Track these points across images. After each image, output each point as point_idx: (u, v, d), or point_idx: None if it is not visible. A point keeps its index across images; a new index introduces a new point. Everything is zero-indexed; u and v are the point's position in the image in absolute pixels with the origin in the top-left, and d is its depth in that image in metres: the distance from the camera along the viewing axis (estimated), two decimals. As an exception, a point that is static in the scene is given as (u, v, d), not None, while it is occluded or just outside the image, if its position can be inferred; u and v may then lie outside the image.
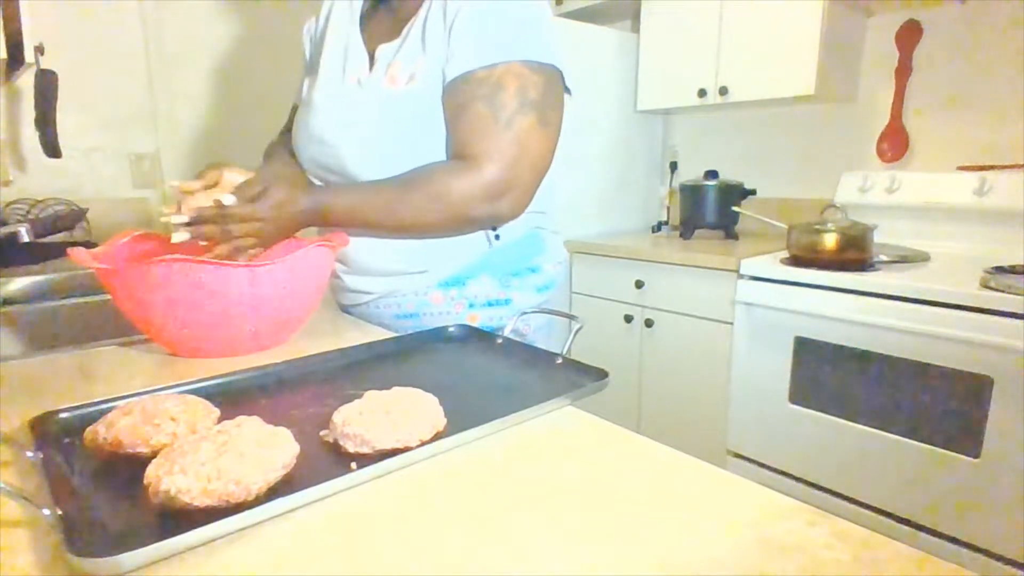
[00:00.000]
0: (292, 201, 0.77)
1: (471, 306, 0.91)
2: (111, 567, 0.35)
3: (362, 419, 0.49)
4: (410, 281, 0.91)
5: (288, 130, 1.02)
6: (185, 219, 0.73)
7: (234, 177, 0.80)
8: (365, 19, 0.93)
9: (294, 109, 1.02)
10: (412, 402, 0.53)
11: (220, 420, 0.52)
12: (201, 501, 0.39)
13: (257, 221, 0.74)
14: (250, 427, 0.45)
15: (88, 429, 0.50)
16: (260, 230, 0.75)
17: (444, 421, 0.53)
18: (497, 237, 0.90)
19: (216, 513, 0.40)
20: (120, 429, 0.48)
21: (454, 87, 0.79)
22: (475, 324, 0.89)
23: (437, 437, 0.51)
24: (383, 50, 0.85)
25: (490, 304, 0.91)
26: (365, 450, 0.48)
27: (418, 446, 0.49)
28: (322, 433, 0.52)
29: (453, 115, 0.80)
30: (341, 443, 0.49)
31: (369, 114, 0.84)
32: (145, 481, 0.41)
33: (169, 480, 0.39)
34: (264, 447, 0.43)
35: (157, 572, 0.36)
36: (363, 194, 0.80)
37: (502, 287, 0.92)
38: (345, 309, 1.00)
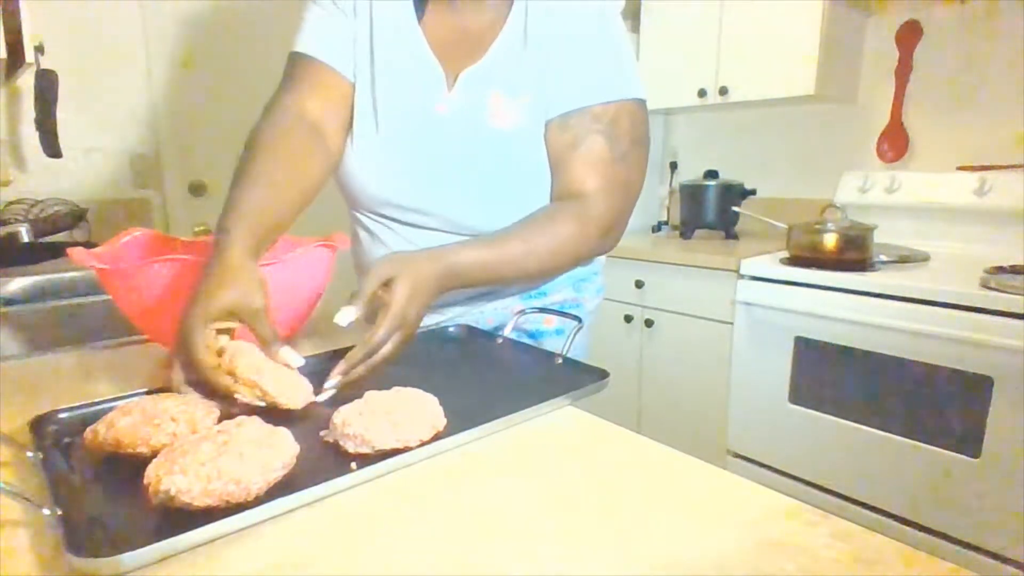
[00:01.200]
0: (422, 283, 0.63)
1: (545, 310, 0.88)
2: (111, 567, 0.35)
3: (362, 419, 0.49)
4: (499, 300, 0.88)
5: (282, 107, 0.76)
6: (335, 384, 0.60)
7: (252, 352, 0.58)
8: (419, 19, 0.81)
9: (294, 59, 0.80)
10: (412, 402, 0.53)
11: (220, 420, 0.52)
12: (201, 501, 0.39)
13: (400, 332, 0.61)
14: (250, 427, 0.45)
15: (88, 429, 0.50)
16: (408, 336, 0.62)
17: (444, 421, 0.53)
18: None
19: (216, 513, 0.40)
20: (120, 429, 0.48)
21: (567, 121, 0.76)
22: (551, 327, 0.88)
23: (437, 437, 0.51)
24: (469, 75, 0.77)
25: (563, 307, 0.89)
26: (365, 450, 0.48)
27: (418, 446, 0.49)
28: (322, 433, 0.52)
29: (566, 148, 0.76)
30: (341, 443, 0.49)
31: (474, 153, 0.77)
32: (145, 481, 0.41)
33: (169, 480, 0.39)
34: (264, 447, 0.43)
35: (157, 572, 0.36)
36: (488, 251, 0.71)
37: (576, 292, 0.91)
38: None
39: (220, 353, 0.55)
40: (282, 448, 0.44)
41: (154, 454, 0.46)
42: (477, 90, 0.77)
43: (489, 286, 0.76)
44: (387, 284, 0.61)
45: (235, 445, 0.42)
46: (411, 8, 0.79)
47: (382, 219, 0.85)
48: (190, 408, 0.51)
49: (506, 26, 0.77)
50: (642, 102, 0.79)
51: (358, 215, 0.87)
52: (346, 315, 0.60)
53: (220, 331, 0.57)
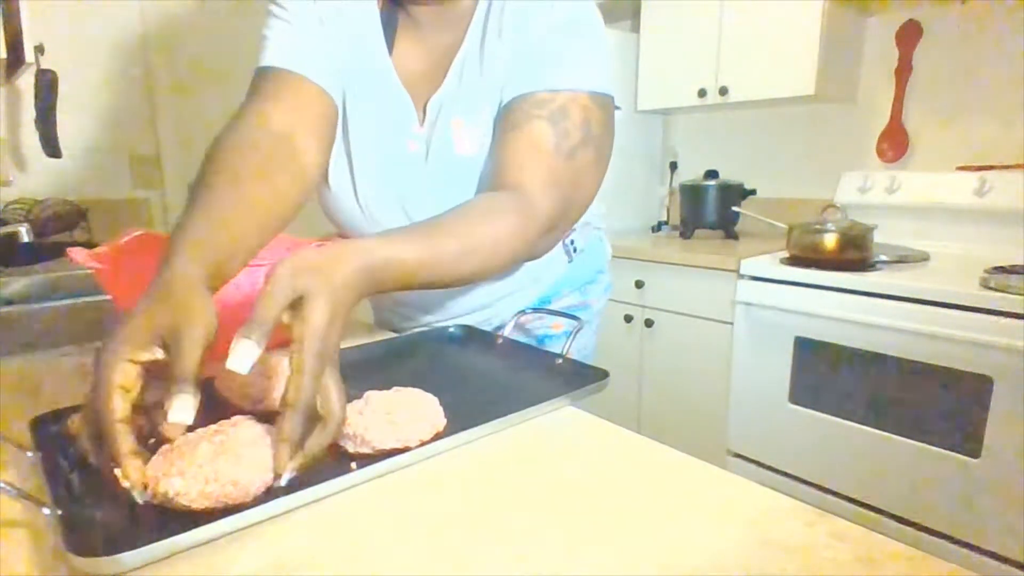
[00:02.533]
0: (341, 298, 0.46)
1: (544, 311, 0.86)
2: (111, 567, 0.35)
3: (362, 419, 0.49)
4: (495, 311, 0.86)
5: (238, 125, 0.65)
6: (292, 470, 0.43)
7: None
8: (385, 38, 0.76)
9: (259, 75, 0.71)
10: (412, 402, 0.52)
11: (215, 420, 0.52)
12: (199, 504, 0.39)
13: (332, 370, 0.45)
14: (246, 427, 0.45)
15: (70, 419, 0.50)
16: (336, 368, 0.46)
17: (444, 421, 0.53)
18: (575, 251, 0.88)
19: (216, 512, 0.40)
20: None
21: (512, 106, 0.69)
22: (559, 331, 0.87)
23: (437, 437, 0.51)
24: (433, 103, 0.73)
25: (570, 311, 0.86)
26: (365, 450, 0.48)
27: (418, 446, 0.49)
28: None
29: (505, 132, 0.69)
30: (341, 443, 0.49)
31: (446, 185, 0.73)
32: (144, 481, 0.41)
33: (167, 482, 0.39)
34: (261, 447, 0.43)
35: (157, 572, 0.36)
36: (419, 249, 0.54)
37: (581, 295, 0.90)
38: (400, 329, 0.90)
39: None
40: None
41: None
42: (441, 118, 0.73)
43: (417, 289, 0.58)
44: (296, 305, 0.44)
45: (232, 446, 0.42)
46: (381, 40, 0.74)
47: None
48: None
49: (463, 47, 0.73)
50: (602, 98, 0.71)
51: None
52: (243, 358, 0.42)
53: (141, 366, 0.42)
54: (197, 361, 0.42)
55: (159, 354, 0.42)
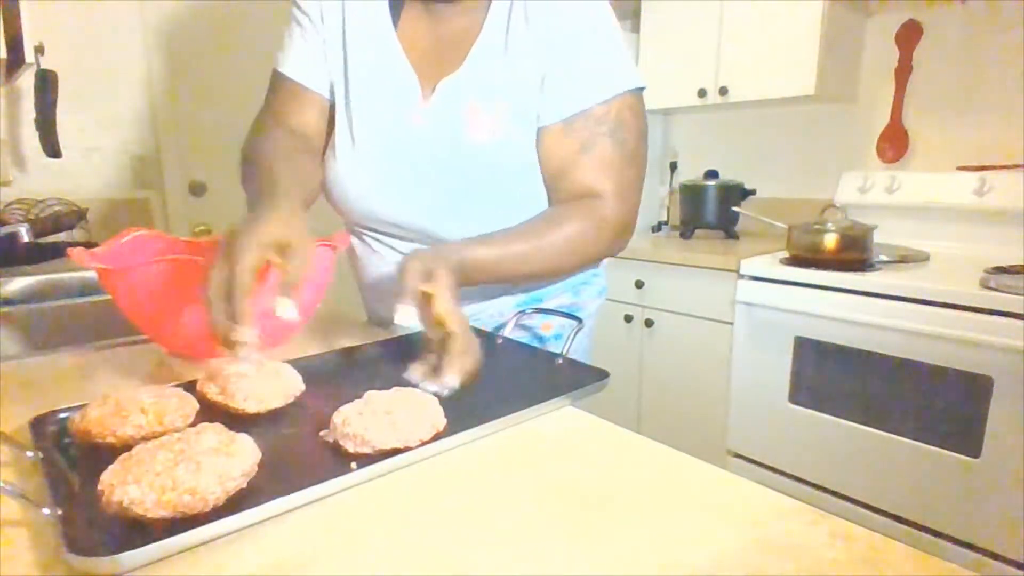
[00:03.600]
0: (454, 276, 0.63)
1: (546, 315, 0.87)
2: (111, 567, 0.35)
3: (362, 419, 0.49)
4: (494, 307, 0.87)
5: (272, 116, 0.81)
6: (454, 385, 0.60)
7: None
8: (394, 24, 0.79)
9: (275, 77, 0.83)
10: (412, 402, 0.52)
11: (196, 415, 0.52)
12: (155, 513, 0.38)
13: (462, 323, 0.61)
14: (209, 434, 0.44)
15: (70, 419, 0.51)
16: (452, 301, 0.62)
17: (444, 421, 0.53)
18: None
19: (221, 511, 0.40)
20: (90, 419, 0.49)
21: (571, 125, 0.74)
22: (548, 333, 0.87)
23: (437, 437, 0.51)
24: (447, 85, 0.75)
25: (564, 312, 0.87)
26: (365, 450, 0.48)
27: (418, 446, 0.49)
28: (322, 433, 0.52)
29: (573, 153, 0.75)
30: (341, 443, 0.49)
31: (451, 165, 0.76)
32: (99, 487, 0.40)
33: (122, 490, 0.38)
34: (222, 455, 0.42)
35: (157, 572, 0.36)
36: (495, 248, 0.71)
37: (575, 296, 0.91)
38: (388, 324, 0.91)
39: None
40: (242, 456, 0.43)
41: (123, 445, 0.46)
42: (454, 100, 0.75)
43: (497, 283, 0.76)
44: (427, 278, 0.61)
45: (192, 454, 0.41)
46: (387, 16, 0.78)
47: (367, 232, 0.85)
48: (162, 402, 0.51)
49: (483, 32, 0.75)
50: (640, 91, 0.78)
51: (352, 229, 0.88)
52: (408, 314, 0.60)
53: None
54: (305, 271, 0.54)
55: (276, 259, 0.54)
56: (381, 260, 0.86)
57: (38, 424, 0.53)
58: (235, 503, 0.41)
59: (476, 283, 0.70)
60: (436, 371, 0.60)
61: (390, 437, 0.48)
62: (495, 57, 0.75)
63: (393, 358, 0.75)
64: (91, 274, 0.74)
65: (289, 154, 0.74)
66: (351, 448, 0.48)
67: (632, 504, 0.43)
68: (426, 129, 0.76)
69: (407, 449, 0.49)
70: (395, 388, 0.55)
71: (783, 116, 2.19)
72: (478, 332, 0.82)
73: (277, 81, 0.83)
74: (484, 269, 0.69)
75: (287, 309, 0.53)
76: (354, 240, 0.89)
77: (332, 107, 0.82)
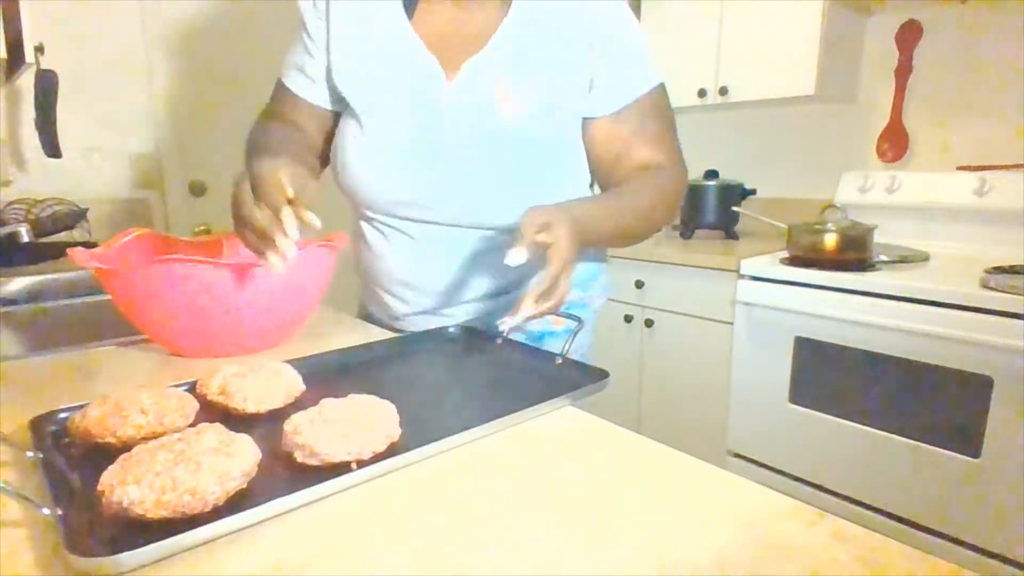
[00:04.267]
0: (575, 228, 0.67)
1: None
2: (111, 567, 0.35)
3: (312, 428, 0.47)
4: (495, 304, 0.87)
5: (272, 114, 0.88)
6: (521, 317, 0.64)
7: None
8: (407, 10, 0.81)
9: (278, 85, 0.89)
10: (367, 411, 0.50)
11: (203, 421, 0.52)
12: (155, 513, 0.38)
13: (567, 270, 0.65)
14: (210, 434, 0.44)
15: (70, 419, 0.51)
16: (570, 274, 0.66)
17: (399, 431, 0.50)
18: None
19: (220, 512, 0.40)
20: (90, 419, 0.49)
21: (620, 115, 0.82)
22: (558, 328, 0.87)
23: (392, 447, 0.49)
24: (472, 66, 0.77)
25: (570, 308, 0.85)
26: (313, 462, 0.46)
27: (371, 459, 0.47)
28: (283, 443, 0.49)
29: (628, 136, 0.82)
30: (291, 453, 0.47)
31: (479, 143, 0.78)
32: (99, 488, 0.40)
33: (122, 491, 0.38)
34: (222, 455, 0.42)
35: (157, 572, 0.36)
36: (601, 206, 0.76)
37: (582, 291, 0.91)
38: (394, 325, 0.92)
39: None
40: (242, 456, 0.43)
41: (123, 445, 0.46)
42: (481, 80, 0.77)
43: (599, 244, 0.80)
44: (545, 229, 0.64)
45: (192, 454, 0.41)
46: (401, 12, 0.80)
47: (392, 219, 0.84)
48: (162, 402, 0.51)
49: (509, 16, 0.78)
50: (663, 83, 0.86)
51: (368, 217, 0.87)
52: (517, 255, 0.62)
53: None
54: (315, 193, 0.66)
55: (290, 192, 0.63)
56: (395, 248, 0.85)
57: (38, 424, 0.53)
58: (235, 503, 0.41)
59: (590, 240, 0.71)
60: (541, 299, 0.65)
61: (340, 449, 0.46)
62: (522, 40, 0.78)
63: (394, 358, 0.75)
64: (91, 274, 0.73)
65: (287, 136, 0.82)
66: (300, 458, 0.46)
67: (632, 504, 0.43)
68: (450, 108, 0.78)
69: (359, 462, 0.46)
70: (351, 395, 0.53)
71: (783, 116, 2.19)
72: (478, 334, 0.82)
73: (280, 90, 0.88)
74: (593, 226, 0.72)
75: (313, 219, 0.63)
76: (366, 230, 0.88)
77: (333, 114, 0.87)
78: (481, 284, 0.85)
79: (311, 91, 0.86)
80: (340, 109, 0.86)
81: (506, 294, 0.87)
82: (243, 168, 0.71)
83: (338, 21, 0.81)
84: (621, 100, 0.81)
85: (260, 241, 0.63)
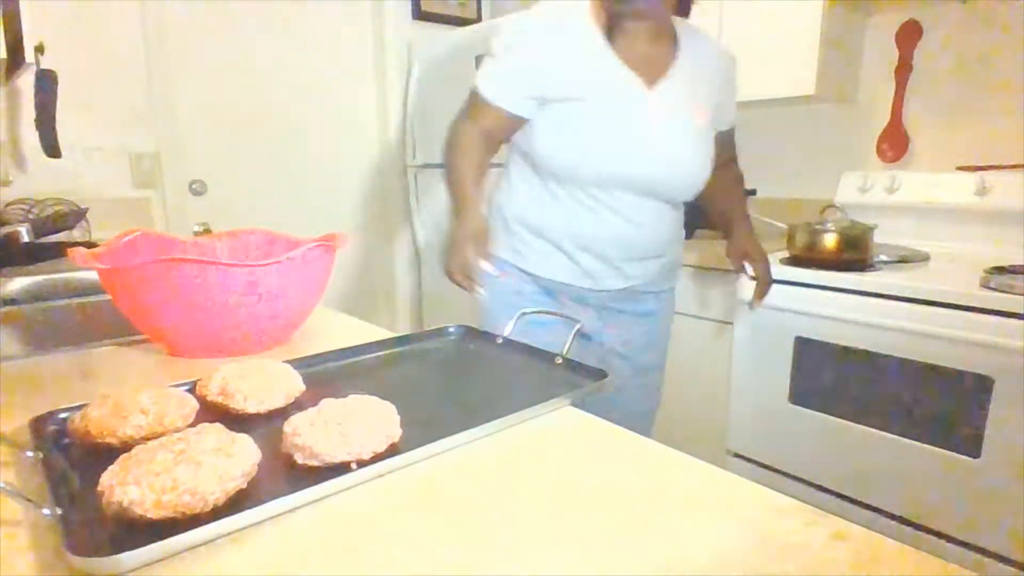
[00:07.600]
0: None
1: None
2: (111, 567, 0.35)
3: (312, 430, 0.47)
4: (657, 264, 1.21)
5: (473, 120, 1.08)
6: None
7: None
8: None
9: (475, 97, 1.08)
10: (367, 412, 0.50)
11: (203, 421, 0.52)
12: (155, 513, 0.38)
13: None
14: (210, 435, 0.44)
15: (70, 418, 0.51)
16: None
17: (399, 432, 0.51)
18: None
19: (219, 512, 0.40)
20: (90, 420, 0.49)
21: (728, 130, 1.31)
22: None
23: (392, 448, 0.49)
24: (665, 83, 1.06)
25: (663, 292, 1.30)
26: (314, 463, 0.46)
27: (371, 459, 0.47)
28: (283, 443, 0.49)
29: (728, 138, 1.34)
30: (291, 454, 0.47)
31: (675, 137, 1.08)
32: (99, 488, 0.40)
33: (122, 491, 0.38)
34: (222, 456, 0.42)
35: (157, 572, 0.36)
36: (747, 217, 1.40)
37: (673, 280, 1.34)
38: (595, 298, 1.19)
39: None
40: (242, 456, 0.43)
41: (123, 445, 0.46)
42: (674, 94, 1.07)
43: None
44: (757, 258, 1.32)
45: (192, 454, 0.41)
46: (601, 39, 1.04)
47: (603, 193, 1.08)
48: (162, 402, 0.51)
49: (681, 54, 1.09)
50: None
51: (566, 187, 1.09)
52: (756, 304, 1.34)
53: None
54: (485, 248, 0.98)
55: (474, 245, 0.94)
56: (597, 215, 1.09)
57: (38, 424, 0.53)
58: (235, 503, 0.41)
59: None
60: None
61: (340, 450, 0.46)
62: (691, 70, 1.10)
63: (394, 358, 0.75)
64: (91, 274, 0.73)
65: (483, 161, 1.09)
66: (300, 460, 0.46)
67: (632, 504, 0.43)
68: (659, 112, 1.06)
69: (359, 462, 0.47)
70: (351, 396, 0.53)
71: (783, 116, 2.19)
72: (478, 334, 0.83)
73: (475, 98, 1.09)
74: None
75: (488, 267, 0.95)
76: (563, 195, 1.10)
77: (518, 119, 1.08)
78: (648, 247, 1.16)
79: (509, 100, 1.06)
80: (534, 116, 1.07)
81: (659, 256, 1.19)
82: (447, 178, 1.06)
83: (541, 43, 1.04)
84: (730, 122, 1.29)
85: (465, 280, 0.94)
